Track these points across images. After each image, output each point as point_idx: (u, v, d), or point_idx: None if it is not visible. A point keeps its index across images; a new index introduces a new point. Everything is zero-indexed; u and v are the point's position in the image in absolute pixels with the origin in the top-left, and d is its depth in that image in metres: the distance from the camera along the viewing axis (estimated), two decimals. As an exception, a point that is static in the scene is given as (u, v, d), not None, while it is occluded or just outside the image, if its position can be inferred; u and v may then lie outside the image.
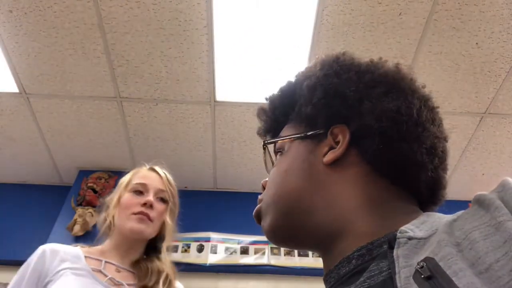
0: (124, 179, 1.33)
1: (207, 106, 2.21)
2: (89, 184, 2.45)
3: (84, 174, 2.56)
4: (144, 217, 1.22)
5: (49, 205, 2.52)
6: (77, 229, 2.24)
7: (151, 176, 1.32)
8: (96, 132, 2.37)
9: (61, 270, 1.12)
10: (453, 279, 0.32)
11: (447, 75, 2.03)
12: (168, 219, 1.29)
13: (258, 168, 2.56)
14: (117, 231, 1.25)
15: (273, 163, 0.63)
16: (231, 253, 2.33)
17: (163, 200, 1.30)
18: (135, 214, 1.22)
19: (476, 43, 1.90)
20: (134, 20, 1.84)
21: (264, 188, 0.62)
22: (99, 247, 1.27)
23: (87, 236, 2.20)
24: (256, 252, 2.34)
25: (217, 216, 2.55)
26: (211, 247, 2.35)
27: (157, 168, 1.36)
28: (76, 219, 2.29)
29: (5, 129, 2.36)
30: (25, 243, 2.37)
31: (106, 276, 1.17)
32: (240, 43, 1.94)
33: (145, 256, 1.28)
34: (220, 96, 2.15)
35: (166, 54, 1.97)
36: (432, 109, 0.56)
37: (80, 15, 1.83)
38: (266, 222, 0.58)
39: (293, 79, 0.64)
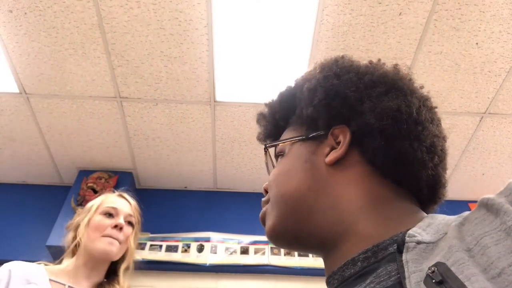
0: (94, 203, 1.41)
1: (207, 106, 2.21)
2: (89, 184, 2.45)
3: (84, 174, 2.56)
4: (114, 240, 1.31)
5: (49, 205, 2.52)
6: (77, 229, 2.24)
7: (120, 202, 1.42)
8: (96, 132, 2.37)
9: None
10: (466, 283, 0.32)
11: (447, 75, 2.03)
12: (132, 243, 1.38)
13: (258, 168, 2.56)
14: (84, 251, 1.30)
15: (274, 167, 0.63)
16: (231, 253, 2.33)
17: (130, 224, 1.39)
18: (105, 236, 1.30)
19: (476, 43, 1.90)
20: (134, 20, 1.84)
21: (266, 191, 0.61)
22: (62, 267, 1.31)
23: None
24: (256, 252, 2.34)
25: (217, 216, 2.55)
26: (211, 247, 2.35)
27: (125, 195, 1.46)
28: (76, 219, 2.29)
29: (5, 129, 2.36)
30: (25, 243, 2.38)
31: None
32: (240, 43, 1.94)
33: (105, 279, 1.34)
34: (220, 96, 2.15)
35: (166, 54, 1.97)
36: (431, 109, 0.57)
37: (80, 15, 1.83)
38: (268, 223, 0.57)
39: (292, 84, 0.64)
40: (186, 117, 2.27)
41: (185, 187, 2.72)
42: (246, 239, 2.38)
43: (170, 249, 2.32)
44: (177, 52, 1.96)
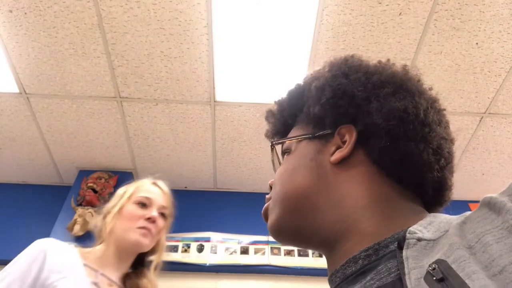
0: (127, 190, 1.33)
1: (207, 106, 2.21)
2: (89, 184, 2.45)
3: (84, 174, 2.56)
4: (147, 232, 1.25)
5: (49, 205, 2.52)
6: (77, 229, 2.24)
7: (155, 191, 1.35)
8: (96, 132, 2.37)
9: (61, 278, 1.10)
10: (466, 281, 0.32)
11: (447, 75, 2.03)
12: (163, 238, 1.33)
13: (258, 168, 2.56)
14: (115, 240, 1.25)
15: (280, 164, 0.63)
16: (231, 253, 2.33)
17: (163, 216, 1.33)
18: (139, 228, 1.24)
19: (476, 43, 1.90)
20: (134, 20, 1.84)
21: (271, 188, 0.62)
22: (95, 251, 1.26)
23: (87, 236, 2.20)
24: (256, 252, 2.34)
25: (217, 216, 2.55)
26: (211, 247, 2.35)
27: (160, 183, 1.39)
28: (76, 219, 2.28)
29: (5, 129, 2.36)
30: (25, 243, 2.37)
31: None
32: (240, 43, 1.94)
33: (131, 270, 1.29)
34: (220, 96, 2.15)
35: (166, 54, 1.97)
36: (439, 111, 0.57)
37: (80, 15, 1.83)
38: (271, 218, 0.58)
39: (301, 82, 0.64)
40: (186, 117, 2.27)
41: (185, 187, 2.72)
42: (246, 239, 2.38)
43: (170, 249, 2.32)
44: (177, 52, 1.96)
